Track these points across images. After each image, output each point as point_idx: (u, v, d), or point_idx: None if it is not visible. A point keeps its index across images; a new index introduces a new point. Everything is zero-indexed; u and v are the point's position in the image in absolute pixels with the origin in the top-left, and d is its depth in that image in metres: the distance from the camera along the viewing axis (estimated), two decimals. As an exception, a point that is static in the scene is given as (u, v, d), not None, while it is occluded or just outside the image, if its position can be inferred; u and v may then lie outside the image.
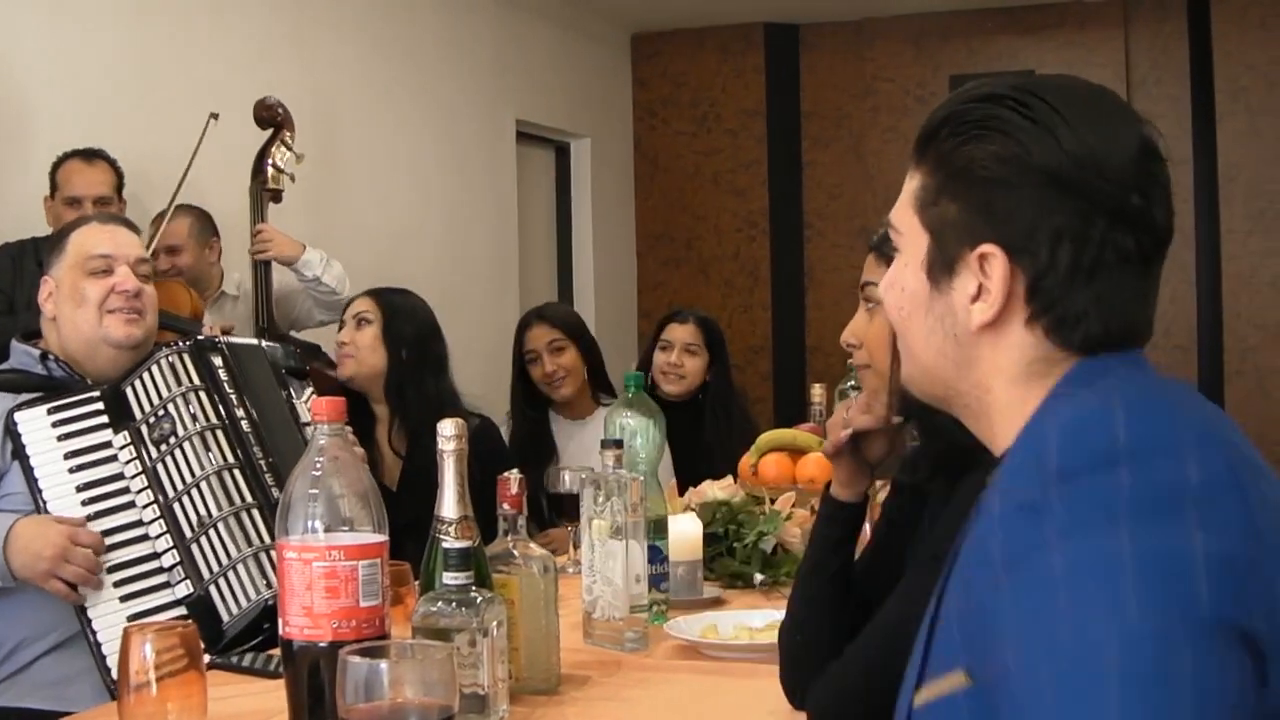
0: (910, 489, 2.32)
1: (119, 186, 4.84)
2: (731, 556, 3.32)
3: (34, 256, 4.64)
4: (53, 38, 5.19)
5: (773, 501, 3.49)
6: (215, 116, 5.10)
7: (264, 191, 5.30)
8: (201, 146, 5.01)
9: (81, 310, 3.19)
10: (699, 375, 5.10)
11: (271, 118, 5.37)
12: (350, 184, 6.02)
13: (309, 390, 3.51)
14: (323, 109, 5.67)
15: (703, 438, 4.90)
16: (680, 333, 5.16)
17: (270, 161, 5.29)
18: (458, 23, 7.67)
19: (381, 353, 4.10)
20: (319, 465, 1.97)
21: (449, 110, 7.56)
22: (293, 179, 5.37)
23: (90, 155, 4.82)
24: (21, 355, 3.26)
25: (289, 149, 5.34)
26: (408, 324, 4.16)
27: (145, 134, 5.41)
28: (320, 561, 1.92)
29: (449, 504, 2.24)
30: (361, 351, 4.10)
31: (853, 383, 4.92)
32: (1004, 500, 1.27)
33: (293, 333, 5.31)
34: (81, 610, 2.94)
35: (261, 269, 5.23)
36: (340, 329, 4.22)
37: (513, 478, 2.39)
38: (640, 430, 3.11)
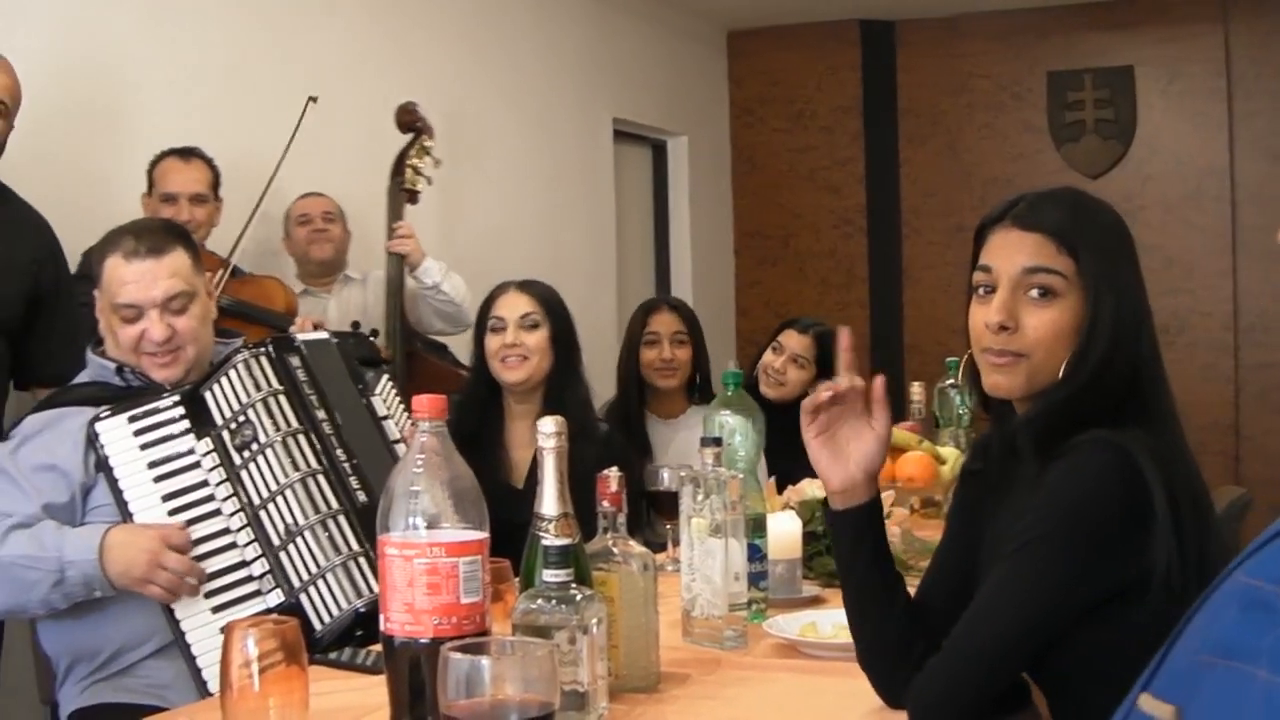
0: (977, 477, 2.31)
1: (215, 184, 4.88)
2: (830, 555, 3.29)
3: None
4: (149, 35, 5.26)
5: (872, 500, 3.47)
6: (314, 99, 5.17)
7: (401, 191, 5.44)
8: (299, 133, 5.11)
9: (117, 350, 3.20)
10: (799, 387, 5.07)
11: (411, 122, 5.56)
12: (449, 184, 6.03)
13: (385, 379, 3.48)
14: (424, 104, 5.70)
15: (799, 440, 4.87)
16: (794, 342, 5.16)
17: (409, 164, 5.43)
18: (554, 22, 7.69)
19: (550, 355, 4.07)
20: (420, 462, 1.97)
21: (546, 109, 7.58)
22: (429, 182, 5.51)
23: (187, 153, 4.86)
24: (98, 368, 3.25)
25: (428, 153, 5.46)
26: (566, 323, 4.12)
27: (244, 126, 5.48)
28: (421, 558, 1.92)
29: (549, 501, 2.24)
30: (535, 355, 4.01)
31: (951, 381, 4.92)
32: None
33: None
34: (173, 620, 2.94)
35: (395, 267, 5.32)
36: (492, 329, 4.15)
37: (612, 475, 2.39)
38: (739, 428, 3.09)
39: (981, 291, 2.19)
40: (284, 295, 4.96)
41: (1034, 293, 2.14)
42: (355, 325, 5.32)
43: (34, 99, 4.23)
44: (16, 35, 4.49)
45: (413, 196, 5.51)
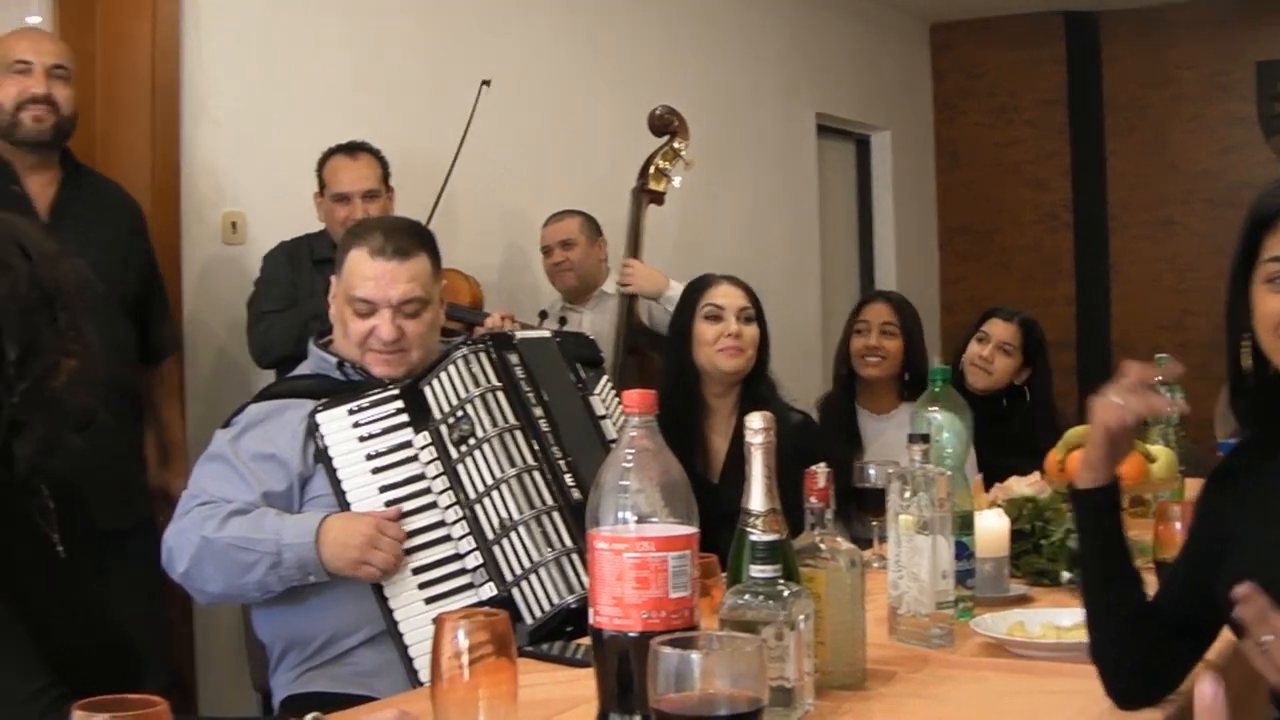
0: (1228, 478, 2.26)
1: (385, 178, 4.88)
2: (1038, 554, 3.26)
3: (308, 254, 4.77)
4: (320, 34, 5.38)
5: (1080, 498, 3.41)
6: (487, 83, 5.23)
7: (644, 193, 5.47)
8: (474, 120, 5.18)
9: (346, 341, 3.25)
10: (1007, 375, 5.03)
11: (665, 126, 5.58)
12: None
13: (604, 379, 3.49)
14: (624, 104, 5.74)
15: (1006, 433, 4.82)
16: (1000, 330, 5.10)
17: (655, 165, 5.47)
18: (757, 18, 7.69)
19: (756, 351, 4.08)
20: (629, 457, 1.97)
21: (749, 105, 7.59)
22: (676, 185, 5.57)
23: (353, 149, 4.85)
24: (319, 360, 3.32)
25: (679, 156, 5.49)
26: (764, 322, 4.11)
27: (423, 116, 5.56)
28: (631, 552, 1.92)
29: (756, 497, 2.23)
30: (749, 348, 4.03)
31: (1160, 377, 4.82)
32: None
33: None
34: (387, 610, 2.98)
35: (625, 300, 5.39)
36: (712, 318, 4.15)
37: (820, 471, 2.38)
38: (947, 425, 3.06)
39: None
40: (469, 288, 5.00)
41: None
42: (542, 315, 5.38)
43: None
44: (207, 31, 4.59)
45: (657, 198, 5.56)
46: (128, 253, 4.22)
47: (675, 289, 5.15)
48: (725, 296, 4.08)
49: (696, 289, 4.15)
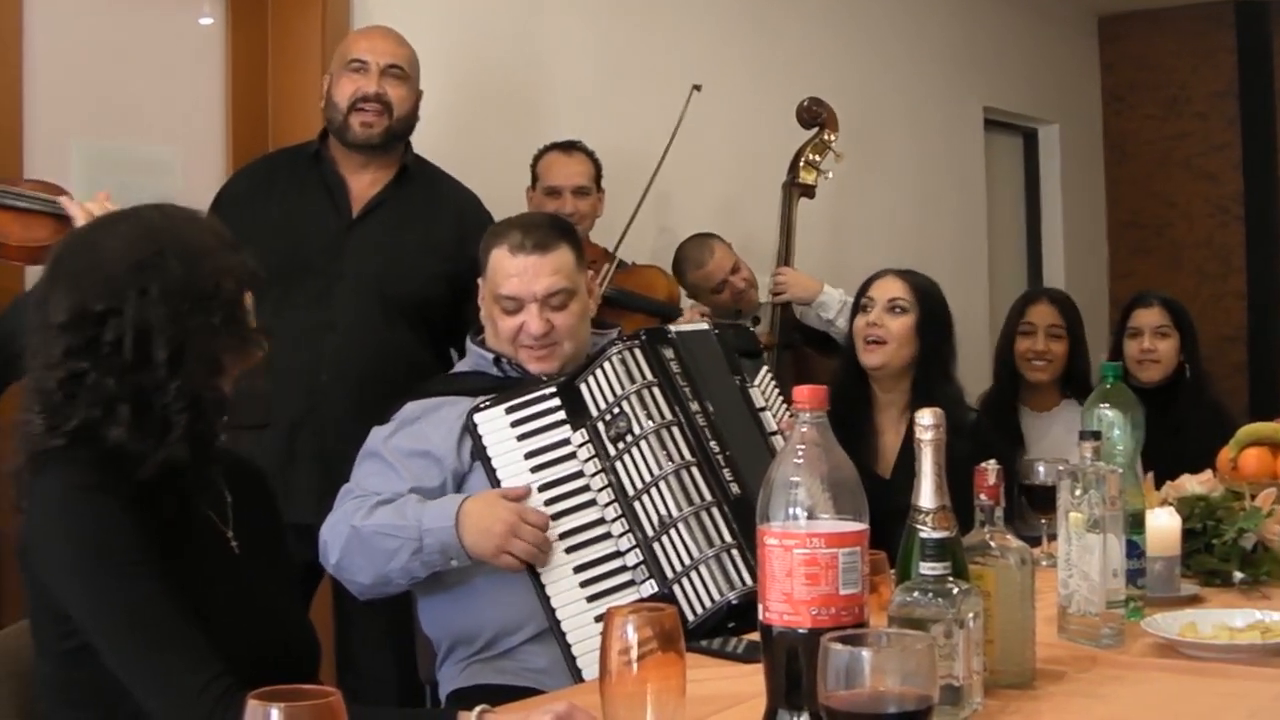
0: None
1: (597, 176, 4.97)
2: (1210, 553, 3.21)
3: None
4: (531, 33, 5.41)
5: (1253, 497, 3.36)
6: (698, 88, 5.25)
7: (794, 186, 5.47)
8: (683, 123, 5.18)
9: (497, 340, 3.29)
10: (1173, 357, 5.00)
11: (813, 118, 5.58)
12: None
13: (765, 371, 3.50)
14: (795, 98, 5.73)
15: (1173, 424, 4.76)
16: (1147, 317, 5.04)
17: (805, 158, 5.45)
18: (923, 11, 7.64)
19: (914, 345, 4.07)
20: (800, 453, 1.97)
21: (916, 99, 7.55)
22: (826, 177, 5.56)
23: (568, 147, 4.97)
24: (477, 357, 3.36)
25: (829, 148, 5.49)
26: (939, 316, 4.12)
27: (628, 116, 5.60)
28: (801, 549, 1.92)
29: (926, 493, 2.23)
30: (895, 341, 4.05)
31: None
32: None
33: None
34: (549, 607, 3.01)
35: (776, 310, 5.37)
36: (861, 309, 4.18)
37: (990, 468, 2.36)
38: (1118, 422, 3.03)
39: None
40: (666, 284, 5.03)
41: None
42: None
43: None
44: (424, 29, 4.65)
45: (808, 191, 5.55)
46: (430, 259, 4.15)
47: (828, 294, 5.15)
48: (878, 289, 4.08)
49: (864, 283, 4.16)
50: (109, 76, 4.50)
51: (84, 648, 2.16)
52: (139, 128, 4.26)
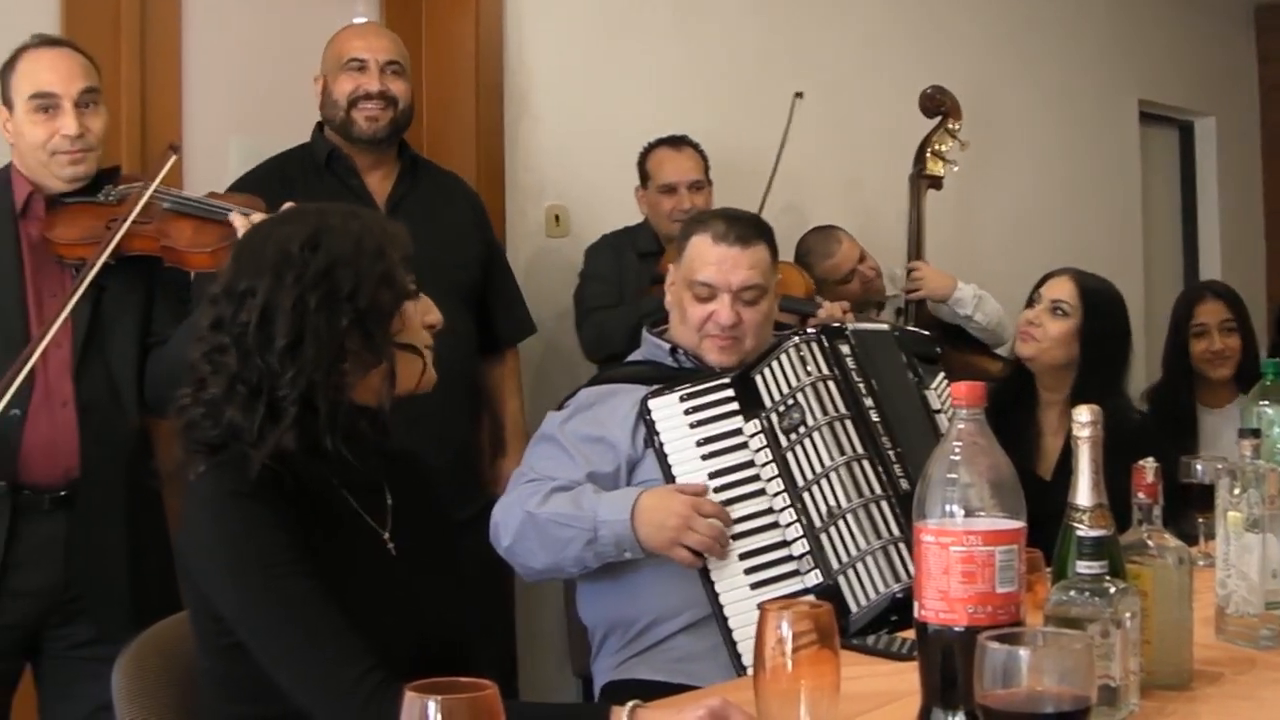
0: None
1: (706, 169, 4.96)
2: (1373, 554, 3.15)
3: (632, 247, 4.86)
4: (616, 38, 5.44)
5: None
6: (800, 95, 5.23)
7: (922, 178, 5.45)
8: (790, 129, 5.20)
9: (684, 327, 3.33)
10: None
11: (936, 106, 5.55)
12: (968, 169, 6.00)
13: (940, 376, 3.49)
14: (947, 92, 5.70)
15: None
16: None
17: (932, 149, 5.43)
18: (1075, 2, 7.55)
19: (1071, 349, 4.00)
20: (957, 450, 1.97)
21: (1069, 91, 7.46)
22: (954, 167, 5.53)
23: (676, 142, 4.97)
24: (652, 347, 3.41)
25: (954, 137, 5.45)
26: (1107, 325, 4.04)
27: (732, 123, 5.57)
28: (957, 546, 1.92)
29: (1084, 491, 2.22)
30: (1047, 340, 4.00)
31: None
32: None
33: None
34: (713, 594, 3.03)
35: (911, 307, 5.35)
36: (1030, 304, 4.16)
37: (1148, 466, 2.35)
38: (1278, 419, 2.98)
39: None
40: (802, 281, 5.02)
41: None
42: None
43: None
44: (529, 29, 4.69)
45: (935, 182, 5.51)
46: (466, 243, 4.31)
47: (963, 290, 5.12)
48: (1050, 286, 4.06)
49: (1043, 276, 4.14)
50: (266, 75, 4.59)
51: (240, 645, 2.19)
52: (296, 126, 4.32)
